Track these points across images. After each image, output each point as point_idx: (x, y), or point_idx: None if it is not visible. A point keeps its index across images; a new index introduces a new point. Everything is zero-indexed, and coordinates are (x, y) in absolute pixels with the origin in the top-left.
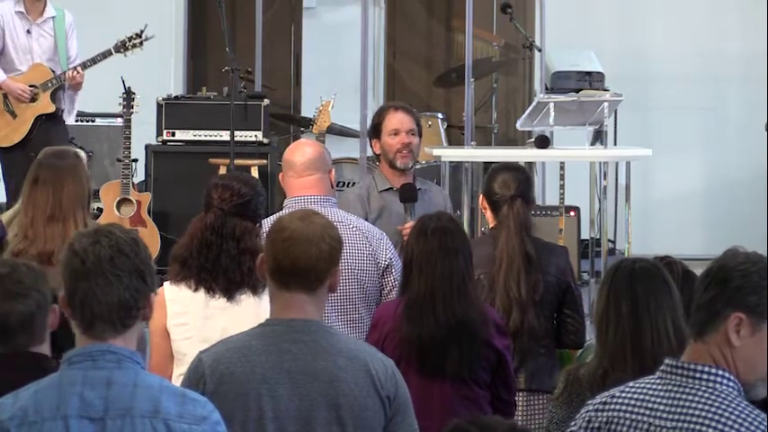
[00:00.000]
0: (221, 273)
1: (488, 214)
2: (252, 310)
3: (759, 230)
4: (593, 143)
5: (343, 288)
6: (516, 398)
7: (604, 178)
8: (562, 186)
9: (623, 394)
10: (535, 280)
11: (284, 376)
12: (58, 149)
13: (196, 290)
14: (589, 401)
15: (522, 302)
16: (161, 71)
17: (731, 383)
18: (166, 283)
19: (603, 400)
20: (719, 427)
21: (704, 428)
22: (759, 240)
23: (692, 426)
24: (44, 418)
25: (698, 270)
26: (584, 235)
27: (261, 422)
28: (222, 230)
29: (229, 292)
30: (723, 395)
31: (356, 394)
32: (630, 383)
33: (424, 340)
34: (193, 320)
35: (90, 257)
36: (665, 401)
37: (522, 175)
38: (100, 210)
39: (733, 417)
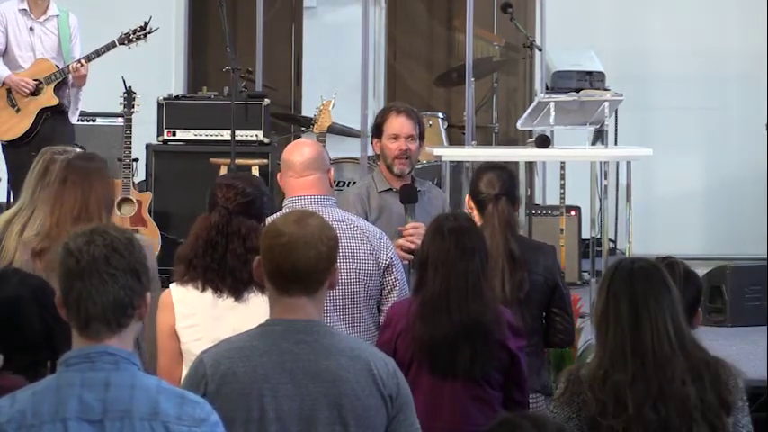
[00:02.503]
0: (228, 272)
1: (474, 214)
2: (260, 309)
3: (759, 230)
4: (593, 143)
5: (345, 287)
6: None
7: (605, 178)
8: (563, 186)
9: None
10: (520, 278)
11: (286, 376)
12: (88, 153)
13: (203, 290)
14: None
15: (507, 301)
16: (162, 71)
17: None
18: (173, 285)
19: None
20: None
21: None
22: (759, 240)
23: None
24: (43, 421)
25: (699, 270)
26: (585, 234)
27: (263, 422)
28: (227, 229)
29: (237, 292)
30: None
31: (358, 394)
32: None
33: (437, 340)
34: (203, 321)
35: (85, 257)
36: None
37: (506, 174)
38: None
39: None
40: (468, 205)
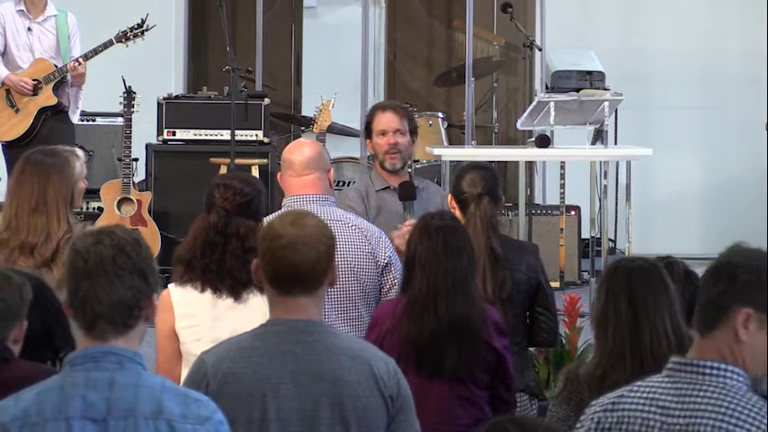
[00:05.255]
0: (227, 273)
1: (457, 213)
2: (260, 310)
3: (759, 230)
4: (593, 142)
5: (343, 286)
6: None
7: (605, 178)
8: (562, 186)
9: (632, 394)
10: (502, 278)
11: (287, 376)
12: (50, 148)
13: (202, 291)
14: (594, 401)
15: (489, 300)
16: (161, 70)
17: (741, 378)
18: (171, 285)
19: (612, 400)
20: (733, 421)
21: (718, 424)
22: (759, 240)
23: (704, 422)
24: (46, 420)
25: (698, 270)
26: (585, 234)
27: (264, 423)
28: (226, 230)
29: (236, 292)
30: (734, 390)
31: (360, 394)
32: (639, 383)
33: (423, 339)
34: (202, 322)
35: (92, 257)
36: (675, 399)
37: (489, 174)
38: (100, 209)
39: (746, 411)
40: (451, 205)
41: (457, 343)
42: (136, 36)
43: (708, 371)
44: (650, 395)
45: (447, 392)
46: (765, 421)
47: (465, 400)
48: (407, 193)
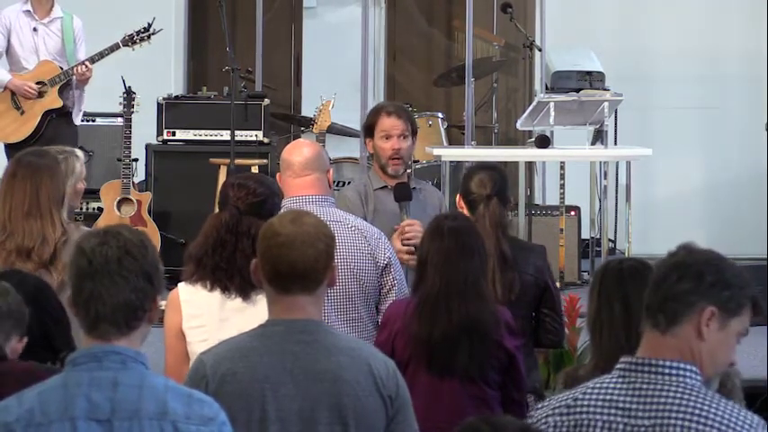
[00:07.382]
0: (236, 272)
1: (465, 213)
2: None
3: (759, 230)
4: (593, 143)
5: (343, 287)
6: None
7: (605, 178)
8: (562, 186)
9: (587, 396)
10: (511, 279)
11: (287, 377)
12: (42, 149)
13: (211, 290)
14: (544, 404)
15: (498, 302)
16: (161, 71)
17: (698, 377)
18: (181, 284)
19: (565, 402)
20: (702, 421)
21: (687, 423)
22: (759, 240)
23: (672, 422)
24: (51, 420)
25: None
26: (585, 234)
27: (263, 423)
28: (237, 229)
29: (245, 292)
30: (696, 389)
31: (359, 394)
32: (590, 384)
33: (435, 339)
34: (210, 323)
35: (97, 258)
36: (635, 400)
37: (498, 175)
38: (100, 209)
39: (712, 409)
40: (459, 205)
41: (468, 343)
42: (142, 40)
43: (667, 371)
44: (608, 397)
45: (459, 392)
46: (734, 418)
47: (477, 399)
48: (403, 194)
